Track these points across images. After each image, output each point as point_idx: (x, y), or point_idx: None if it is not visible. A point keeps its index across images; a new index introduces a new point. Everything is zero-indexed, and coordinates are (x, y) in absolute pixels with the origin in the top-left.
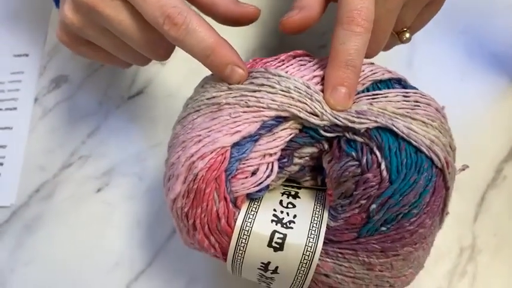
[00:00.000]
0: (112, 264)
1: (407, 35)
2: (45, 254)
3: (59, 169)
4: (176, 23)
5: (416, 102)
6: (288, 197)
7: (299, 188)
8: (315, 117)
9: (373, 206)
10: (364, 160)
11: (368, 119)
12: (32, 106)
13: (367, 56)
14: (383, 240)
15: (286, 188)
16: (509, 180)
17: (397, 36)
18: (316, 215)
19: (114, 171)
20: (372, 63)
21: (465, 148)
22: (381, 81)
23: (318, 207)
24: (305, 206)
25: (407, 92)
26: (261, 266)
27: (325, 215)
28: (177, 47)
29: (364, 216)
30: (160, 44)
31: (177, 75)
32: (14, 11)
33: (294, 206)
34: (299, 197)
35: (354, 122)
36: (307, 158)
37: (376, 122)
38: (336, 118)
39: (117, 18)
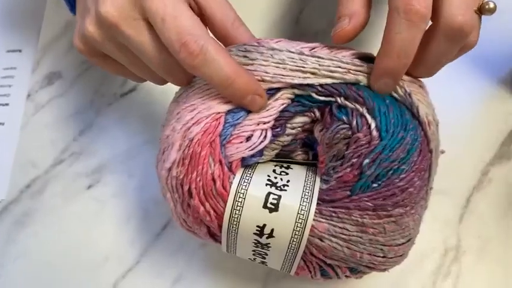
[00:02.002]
0: (101, 260)
1: (491, 4)
2: (35, 249)
3: (50, 165)
4: (192, 52)
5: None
6: (280, 168)
7: (291, 162)
8: (311, 75)
9: (366, 160)
10: (355, 122)
11: (362, 72)
12: (24, 102)
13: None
14: (375, 197)
15: (278, 162)
16: (494, 183)
17: (478, 11)
18: (309, 180)
19: (105, 169)
20: None
21: (452, 150)
22: (369, 57)
23: (310, 174)
24: (298, 174)
25: None
26: (257, 230)
27: (318, 179)
28: None
29: (356, 173)
30: (179, 69)
31: None
32: (8, 6)
33: (287, 174)
34: (291, 168)
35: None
36: (299, 128)
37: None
38: (332, 71)
39: (137, 38)
